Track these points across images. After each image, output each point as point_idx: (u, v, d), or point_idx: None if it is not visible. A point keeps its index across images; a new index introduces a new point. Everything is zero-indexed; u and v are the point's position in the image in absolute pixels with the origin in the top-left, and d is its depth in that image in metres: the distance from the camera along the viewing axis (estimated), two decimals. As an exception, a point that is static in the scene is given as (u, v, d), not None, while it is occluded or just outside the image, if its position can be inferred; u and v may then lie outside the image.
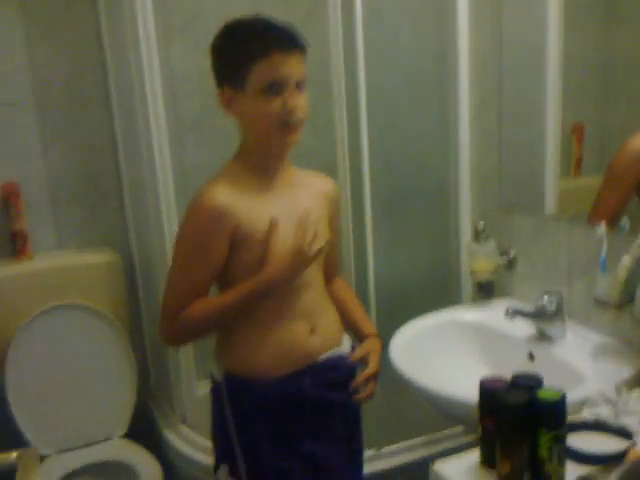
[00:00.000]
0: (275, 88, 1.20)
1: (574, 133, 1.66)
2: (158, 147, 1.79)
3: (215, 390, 1.37)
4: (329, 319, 1.39)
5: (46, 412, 2.00)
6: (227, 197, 1.23)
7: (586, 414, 1.20)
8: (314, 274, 1.35)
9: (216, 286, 1.32)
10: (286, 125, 1.22)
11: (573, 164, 1.68)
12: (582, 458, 1.06)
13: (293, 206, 1.31)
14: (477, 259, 1.85)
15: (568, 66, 1.62)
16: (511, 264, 1.85)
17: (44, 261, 2.04)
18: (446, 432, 1.94)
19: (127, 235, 2.21)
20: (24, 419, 1.96)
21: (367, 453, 1.90)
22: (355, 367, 1.40)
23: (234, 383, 1.32)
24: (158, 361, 2.18)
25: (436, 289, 2.03)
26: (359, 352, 1.41)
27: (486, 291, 1.90)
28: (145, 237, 2.03)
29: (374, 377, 1.40)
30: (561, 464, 1.02)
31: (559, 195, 1.72)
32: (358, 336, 1.46)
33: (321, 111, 1.71)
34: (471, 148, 1.94)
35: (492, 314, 1.73)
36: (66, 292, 1.99)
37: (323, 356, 1.34)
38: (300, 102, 1.23)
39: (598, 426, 1.16)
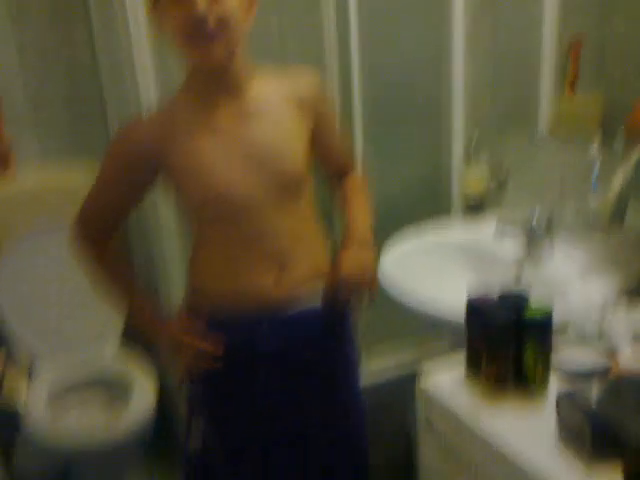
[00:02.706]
0: None
1: (570, 50, 1.61)
2: (141, 66, 1.69)
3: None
4: (306, 258, 1.21)
5: (38, 318, 2.01)
6: (151, 129, 1.16)
7: (571, 332, 1.22)
8: (294, 198, 1.19)
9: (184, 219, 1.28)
10: (197, 35, 1.05)
11: (568, 82, 1.64)
12: (566, 373, 1.09)
13: (242, 140, 1.16)
14: (468, 179, 1.84)
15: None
16: (502, 184, 1.83)
17: (28, 180, 2.01)
18: (433, 346, 1.97)
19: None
20: (16, 322, 1.98)
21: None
22: (333, 322, 1.25)
23: (192, 304, 1.28)
24: (149, 270, 2.15)
25: (426, 206, 2.01)
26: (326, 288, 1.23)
27: (476, 211, 1.89)
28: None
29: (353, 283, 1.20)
30: (546, 369, 1.04)
31: (553, 114, 1.69)
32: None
33: (309, 21, 1.69)
34: (465, 62, 1.88)
35: (481, 234, 1.73)
36: (54, 210, 1.95)
37: (291, 307, 1.20)
38: (218, 6, 1.04)
39: (583, 343, 1.18)
